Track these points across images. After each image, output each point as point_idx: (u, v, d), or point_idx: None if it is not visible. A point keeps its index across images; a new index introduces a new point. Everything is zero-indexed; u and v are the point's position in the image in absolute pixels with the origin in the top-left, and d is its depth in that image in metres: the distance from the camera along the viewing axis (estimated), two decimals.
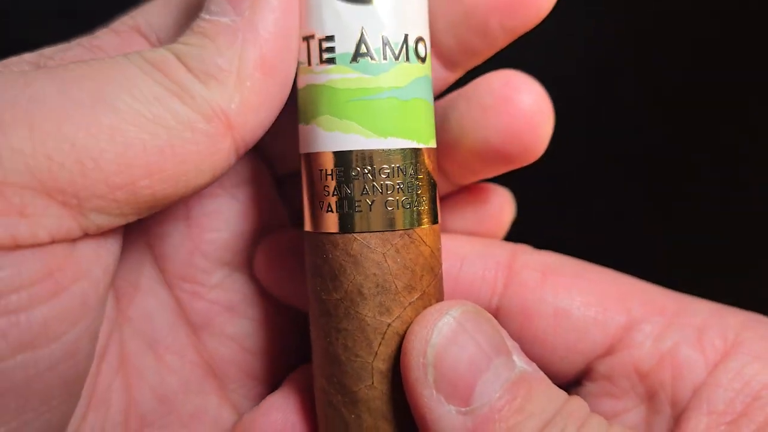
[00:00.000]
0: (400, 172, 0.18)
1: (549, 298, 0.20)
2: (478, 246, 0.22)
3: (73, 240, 0.16)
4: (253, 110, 0.17)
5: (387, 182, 0.18)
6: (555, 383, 0.21)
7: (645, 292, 0.21)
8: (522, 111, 0.19)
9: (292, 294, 0.22)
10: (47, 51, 0.19)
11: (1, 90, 0.15)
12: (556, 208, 0.39)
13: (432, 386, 0.17)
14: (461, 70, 0.21)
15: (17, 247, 0.15)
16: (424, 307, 0.18)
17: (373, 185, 0.18)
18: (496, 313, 0.21)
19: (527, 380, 0.17)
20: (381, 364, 0.18)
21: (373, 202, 0.18)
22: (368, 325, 0.18)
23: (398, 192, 0.18)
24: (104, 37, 0.19)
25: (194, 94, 0.16)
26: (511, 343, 0.18)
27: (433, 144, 0.19)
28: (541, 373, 0.18)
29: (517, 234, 0.24)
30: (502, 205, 0.22)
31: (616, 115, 0.39)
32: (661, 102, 0.39)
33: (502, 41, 0.20)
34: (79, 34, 0.20)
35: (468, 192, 0.22)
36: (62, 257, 0.16)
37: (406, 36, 0.18)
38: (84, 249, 0.17)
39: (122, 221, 0.17)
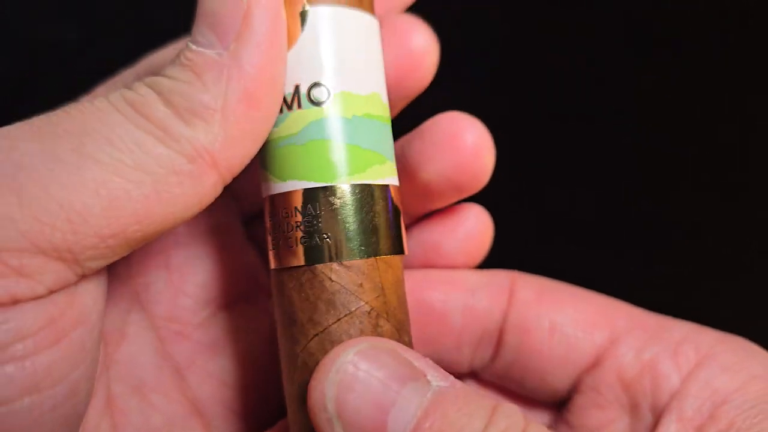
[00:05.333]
0: (297, 212, 0.19)
1: (544, 314, 0.22)
2: (485, 276, 0.24)
3: (71, 285, 0.17)
4: (237, 144, 0.17)
5: (291, 222, 0.19)
6: (552, 396, 0.23)
7: (628, 311, 0.22)
8: (467, 146, 0.21)
9: None
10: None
11: None
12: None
13: None
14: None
15: (17, 302, 0.16)
16: (331, 343, 0.18)
17: (282, 225, 0.19)
18: (502, 331, 0.23)
19: (443, 398, 0.17)
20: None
21: (284, 240, 0.19)
22: (285, 354, 0.19)
23: (298, 229, 0.19)
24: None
25: (177, 136, 0.16)
26: (423, 363, 0.18)
27: (335, 181, 0.19)
28: (462, 385, 0.17)
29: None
30: (481, 224, 0.24)
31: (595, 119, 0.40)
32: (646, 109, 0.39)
33: (399, 107, 0.23)
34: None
35: (446, 214, 0.24)
36: (63, 305, 0.17)
37: (296, 86, 0.19)
38: (82, 294, 0.17)
39: (116, 259, 0.17)
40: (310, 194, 0.19)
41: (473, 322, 0.23)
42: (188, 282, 0.22)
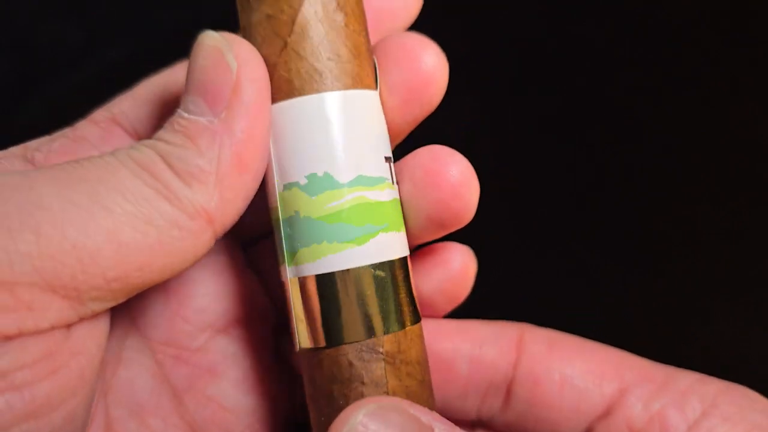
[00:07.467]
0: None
1: (555, 366, 0.23)
2: (494, 328, 0.24)
3: (69, 325, 0.18)
4: (230, 204, 0.19)
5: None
6: None
7: (636, 363, 0.23)
8: (449, 183, 0.21)
9: None
10: (32, 144, 0.20)
11: (7, 195, 0.17)
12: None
13: None
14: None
15: (21, 335, 0.17)
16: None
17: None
18: (512, 383, 0.23)
19: None
20: None
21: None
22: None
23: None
24: (85, 128, 0.21)
25: (180, 196, 0.18)
26: (428, 417, 0.18)
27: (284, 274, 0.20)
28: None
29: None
30: (465, 263, 0.24)
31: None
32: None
33: (405, 129, 0.22)
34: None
35: (431, 253, 0.24)
36: (60, 340, 0.18)
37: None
38: (79, 330, 0.18)
39: (114, 304, 0.18)
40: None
41: (479, 372, 0.23)
42: (186, 306, 0.23)
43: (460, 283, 0.24)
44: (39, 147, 0.20)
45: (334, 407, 0.19)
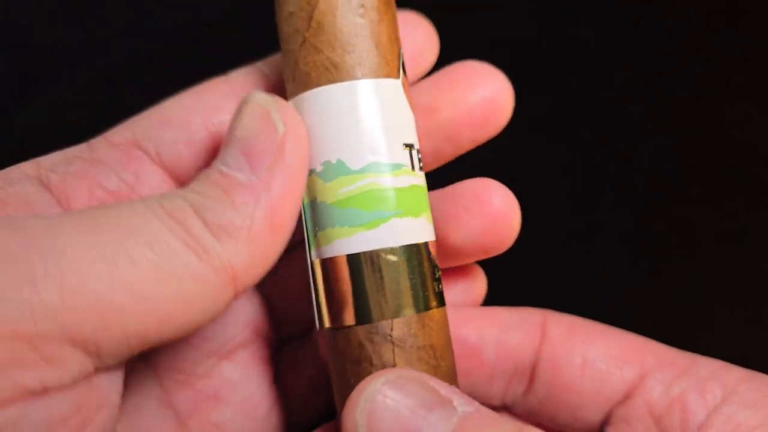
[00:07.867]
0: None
1: (577, 350, 0.23)
2: (518, 314, 0.25)
3: (89, 377, 0.17)
4: (257, 264, 0.18)
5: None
6: (583, 429, 0.24)
7: (656, 348, 0.23)
8: (496, 212, 0.22)
9: None
10: (45, 162, 0.20)
11: (31, 242, 0.16)
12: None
13: None
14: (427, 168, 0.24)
15: (46, 392, 0.16)
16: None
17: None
18: (534, 367, 0.24)
19: (469, 421, 0.18)
20: None
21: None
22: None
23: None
24: (103, 150, 0.21)
25: (208, 249, 0.17)
26: (449, 390, 0.19)
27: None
28: (487, 410, 0.18)
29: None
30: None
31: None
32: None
33: (467, 147, 0.24)
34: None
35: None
36: (85, 393, 0.17)
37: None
38: (101, 382, 0.18)
39: (128, 357, 0.18)
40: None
41: (505, 357, 0.24)
42: (193, 333, 0.22)
43: (471, 298, 0.25)
44: (54, 168, 0.20)
45: (348, 385, 0.19)
